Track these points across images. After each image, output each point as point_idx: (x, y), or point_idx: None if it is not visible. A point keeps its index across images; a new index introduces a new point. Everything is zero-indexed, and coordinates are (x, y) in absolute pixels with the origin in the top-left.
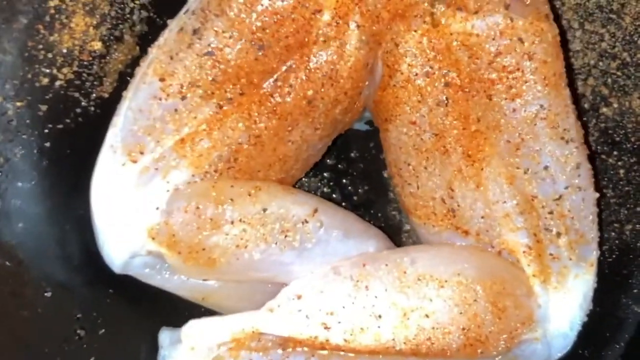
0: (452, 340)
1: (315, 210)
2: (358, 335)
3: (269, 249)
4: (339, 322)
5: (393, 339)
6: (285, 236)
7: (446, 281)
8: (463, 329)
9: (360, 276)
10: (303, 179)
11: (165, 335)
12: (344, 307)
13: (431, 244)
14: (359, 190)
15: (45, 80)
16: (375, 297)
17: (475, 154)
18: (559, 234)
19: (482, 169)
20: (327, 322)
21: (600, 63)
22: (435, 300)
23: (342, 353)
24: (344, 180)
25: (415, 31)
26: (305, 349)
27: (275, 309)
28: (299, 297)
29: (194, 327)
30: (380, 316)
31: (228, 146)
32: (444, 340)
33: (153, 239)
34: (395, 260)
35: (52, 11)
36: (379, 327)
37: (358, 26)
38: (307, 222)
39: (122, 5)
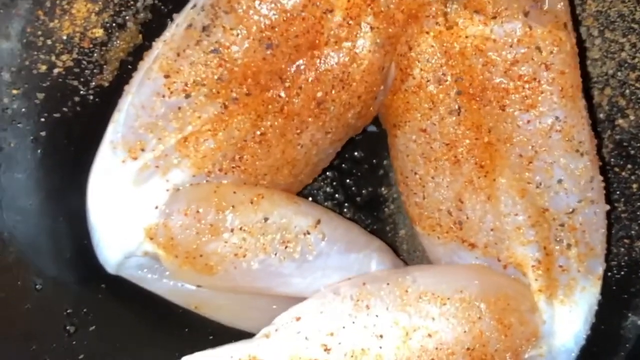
0: None
1: (318, 222)
2: (359, 356)
3: (268, 259)
4: (339, 343)
5: None
6: (286, 247)
7: (449, 299)
8: (468, 348)
9: (361, 295)
10: None
11: None
12: (344, 327)
13: (433, 263)
14: (363, 191)
15: (44, 68)
16: (376, 316)
17: (487, 165)
18: (569, 246)
19: (494, 180)
20: (327, 344)
21: (619, 73)
22: (437, 319)
23: None
24: (348, 181)
25: (428, 33)
26: None
27: (272, 334)
28: (298, 319)
29: None
30: (381, 336)
31: (233, 145)
32: None
33: (151, 239)
34: (396, 279)
35: None
36: (380, 347)
37: (372, 28)
38: (309, 233)
39: None
